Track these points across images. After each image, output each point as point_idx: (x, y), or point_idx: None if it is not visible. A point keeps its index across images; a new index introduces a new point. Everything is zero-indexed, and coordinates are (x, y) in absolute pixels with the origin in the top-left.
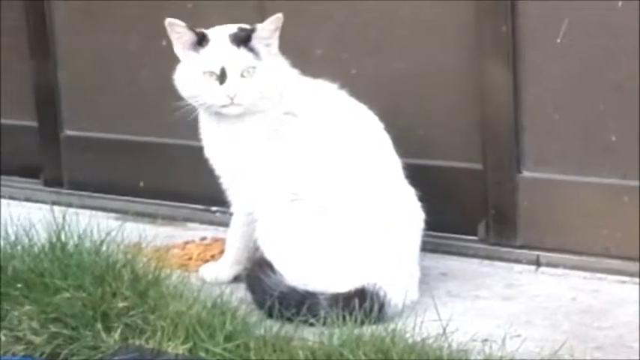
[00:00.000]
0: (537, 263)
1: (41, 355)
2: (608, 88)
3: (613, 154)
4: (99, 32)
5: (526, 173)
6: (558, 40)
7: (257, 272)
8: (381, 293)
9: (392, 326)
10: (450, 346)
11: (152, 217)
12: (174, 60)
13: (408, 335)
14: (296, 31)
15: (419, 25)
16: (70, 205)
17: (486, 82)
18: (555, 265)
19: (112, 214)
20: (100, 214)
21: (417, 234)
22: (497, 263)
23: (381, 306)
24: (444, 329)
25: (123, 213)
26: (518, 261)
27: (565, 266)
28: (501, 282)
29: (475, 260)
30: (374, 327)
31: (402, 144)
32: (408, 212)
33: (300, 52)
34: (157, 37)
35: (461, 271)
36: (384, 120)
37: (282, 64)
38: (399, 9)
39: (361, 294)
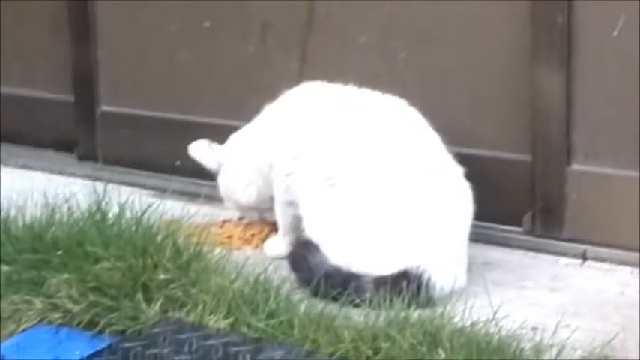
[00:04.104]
0: (583, 257)
1: (79, 323)
2: None
3: None
4: (140, 9)
5: (575, 166)
6: (614, 34)
7: (302, 251)
8: (425, 276)
9: (439, 310)
10: (500, 331)
11: (188, 196)
12: (214, 40)
13: (456, 319)
14: (342, 17)
15: (471, 15)
16: (104, 180)
17: (539, 74)
18: (602, 260)
19: (148, 191)
20: (134, 190)
21: (465, 217)
22: (541, 255)
23: (426, 289)
24: (495, 315)
25: (158, 190)
26: (563, 254)
27: (612, 261)
28: (546, 274)
29: (519, 251)
30: (421, 310)
31: (450, 133)
32: (455, 194)
33: (346, 39)
34: (198, 16)
35: (505, 261)
36: (432, 109)
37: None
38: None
39: (405, 276)
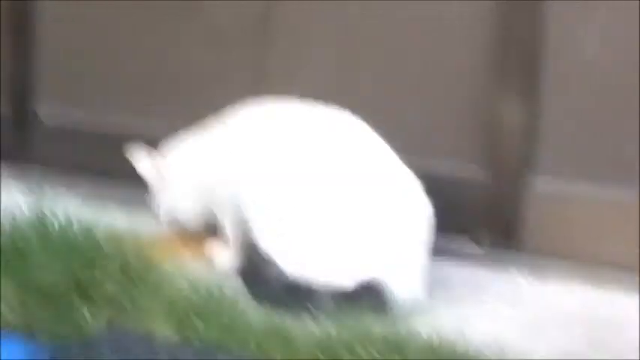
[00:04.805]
0: (542, 273)
1: (18, 333)
2: (632, 102)
3: (630, 168)
4: (82, 13)
5: (535, 181)
6: (584, 50)
7: (257, 263)
8: (384, 288)
9: (401, 323)
10: (466, 345)
11: (131, 206)
12: (154, 43)
13: (420, 333)
14: (300, 27)
15: (433, 24)
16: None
17: (501, 85)
18: (562, 276)
19: (89, 202)
20: (76, 201)
21: (423, 228)
22: (500, 272)
23: (385, 301)
24: (460, 329)
25: (100, 201)
26: (522, 270)
27: (572, 277)
28: (506, 290)
29: (476, 268)
30: (382, 323)
31: (405, 147)
32: (412, 205)
33: (303, 50)
34: (147, 25)
35: (463, 277)
36: (384, 121)
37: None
38: (410, 9)
39: (364, 289)
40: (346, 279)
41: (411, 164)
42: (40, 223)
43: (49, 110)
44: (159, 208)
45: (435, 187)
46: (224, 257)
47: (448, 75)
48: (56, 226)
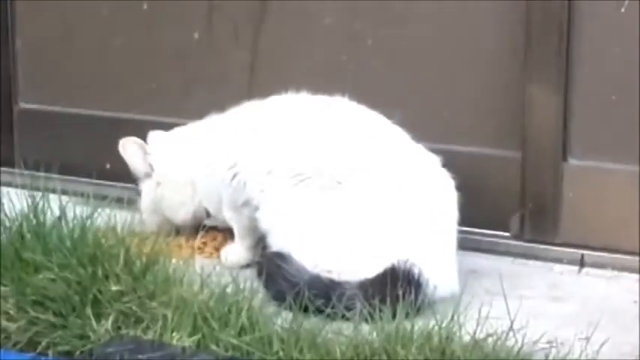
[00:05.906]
0: (581, 263)
1: (15, 345)
2: None
3: None
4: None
5: (572, 161)
6: (622, 10)
7: (275, 260)
8: (415, 270)
9: (442, 319)
10: (519, 345)
11: (122, 203)
12: (148, 27)
13: (464, 332)
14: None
15: (459, 6)
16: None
17: (532, 55)
18: (602, 266)
19: (78, 198)
20: (61, 197)
21: (451, 205)
22: (532, 262)
23: (418, 286)
24: (512, 327)
25: (89, 197)
26: (558, 260)
27: (614, 267)
28: (543, 282)
29: (507, 258)
30: (423, 321)
31: (425, 126)
32: (436, 183)
33: (305, 22)
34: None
35: (493, 269)
36: (403, 99)
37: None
38: None
39: (392, 274)
40: (372, 265)
41: (439, 152)
42: (36, 222)
43: (29, 97)
44: (147, 203)
45: (457, 170)
46: (232, 253)
47: (470, 44)
48: (52, 224)
